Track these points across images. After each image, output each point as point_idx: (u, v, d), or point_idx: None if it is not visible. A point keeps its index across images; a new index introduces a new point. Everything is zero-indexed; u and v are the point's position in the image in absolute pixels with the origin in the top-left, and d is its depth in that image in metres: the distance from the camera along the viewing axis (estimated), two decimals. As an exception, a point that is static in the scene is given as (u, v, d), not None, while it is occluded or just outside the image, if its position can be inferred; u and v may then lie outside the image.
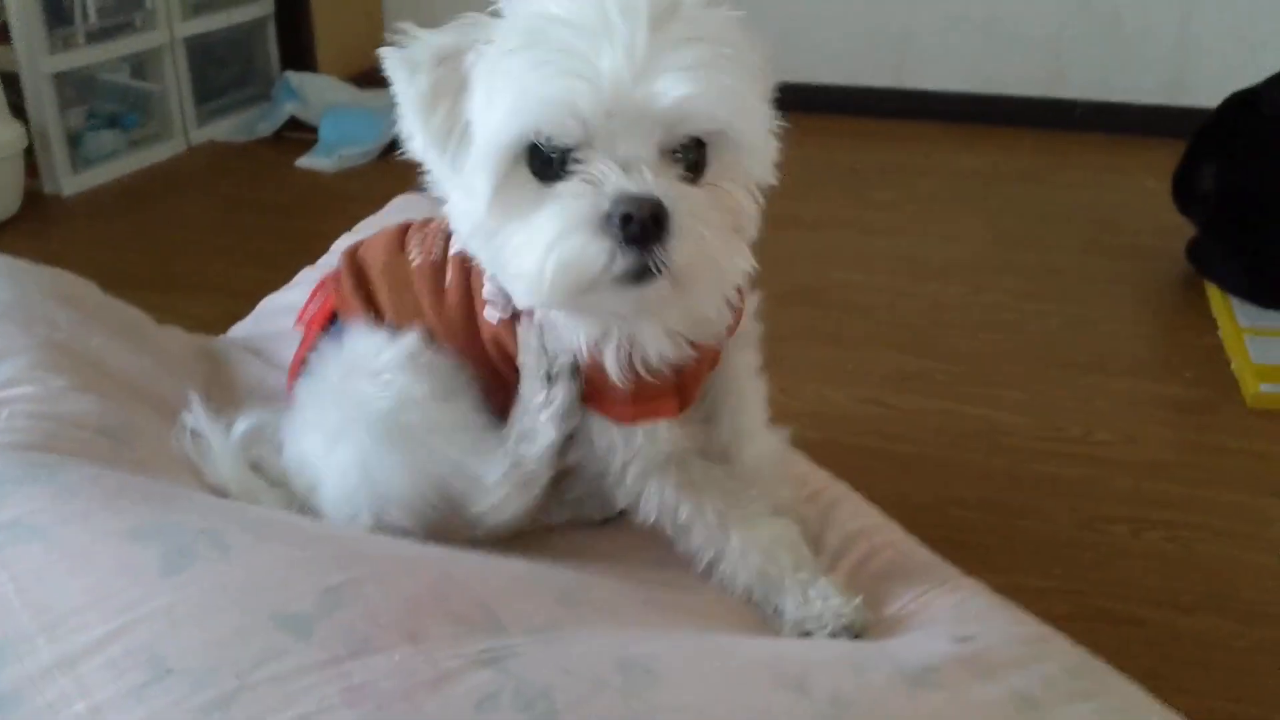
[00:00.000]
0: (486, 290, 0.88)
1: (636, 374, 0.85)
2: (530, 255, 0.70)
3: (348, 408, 0.87)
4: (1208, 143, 2.18)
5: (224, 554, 0.68)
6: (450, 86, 0.74)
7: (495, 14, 0.78)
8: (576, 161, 0.70)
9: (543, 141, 0.70)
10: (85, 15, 2.65)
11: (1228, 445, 1.70)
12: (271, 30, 3.25)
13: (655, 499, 0.91)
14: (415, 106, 0.76)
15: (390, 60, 0.78)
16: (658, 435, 0.90)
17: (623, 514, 0.99)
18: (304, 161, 2.88)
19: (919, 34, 3.14)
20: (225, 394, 1.07)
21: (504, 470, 0.88)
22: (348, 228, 1.68)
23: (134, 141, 2.85)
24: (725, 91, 0.70)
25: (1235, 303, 2.05)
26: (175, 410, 0.93)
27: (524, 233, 0.71)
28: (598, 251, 0.69)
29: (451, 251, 0.92)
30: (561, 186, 0.69)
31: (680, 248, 0.70)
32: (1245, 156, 2.10)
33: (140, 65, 2.88)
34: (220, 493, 0.88)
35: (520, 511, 0.91)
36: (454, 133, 0.74)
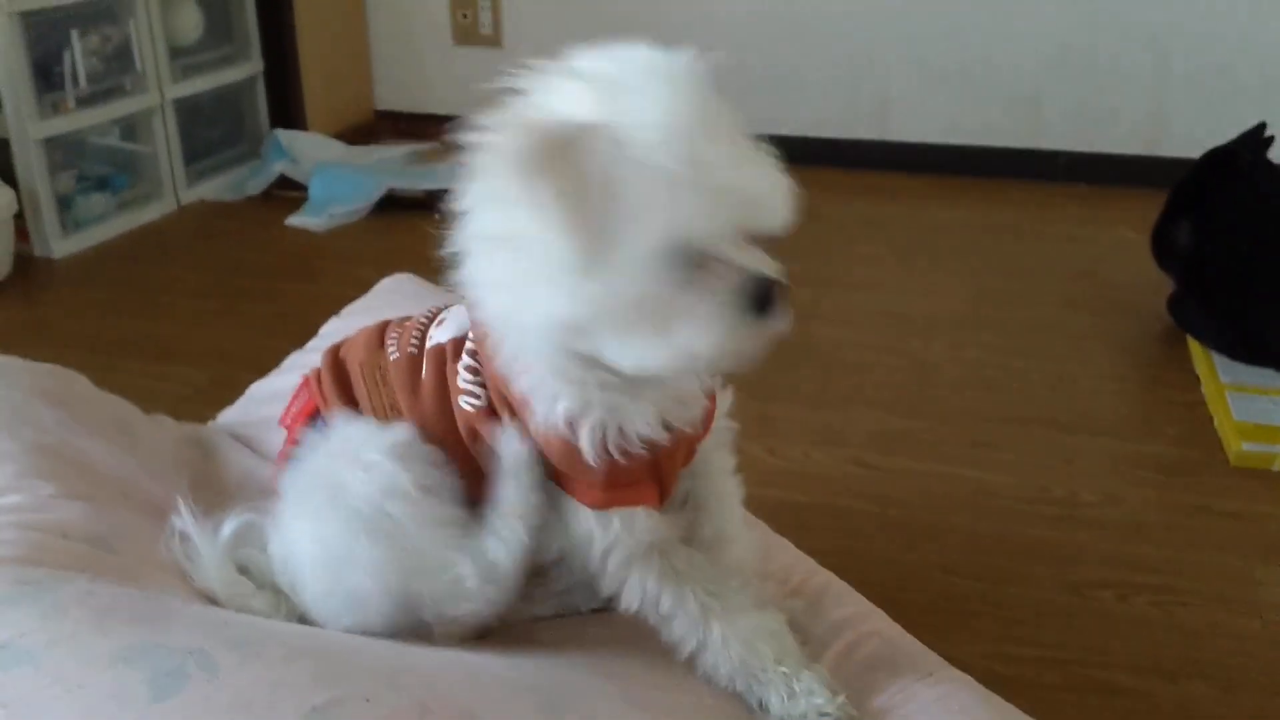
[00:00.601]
0: (462, 380, 0.90)
1: (609, 456, 0.86)
2: (681, 335, 0.77)
3: (331, 492, 0.88)
4: (1184, 199, 2.21)
5: (212, 676, 0.68)
6: (579, 188, 0.74)
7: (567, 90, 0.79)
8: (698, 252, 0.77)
9: (684, 245, 0.76)
10: (75, 80, 2.67)
11: (1211, 506, 1.71)
12: (261, 89, 3.27)
13: (638, 589, 0.91)
14: (534, 207, 0.74)
15: (497, 153, 0.76)
16: (635, 524, 0.90)
17: (610, 603, 1.00)
18: (294, 220, 2.90)
19: (900, 87, 3.18)
20: (214, 487, 1.08)
21: (477, 571, 0.90)
22: (338, 287, 1.70)
23: (124, 203, 2.87)
24: (790, 188, 0.80)
25: (1217, 358, 2.07)
26: (164, 511, 0.95)
27: (666, 316, 0.77)
28: (744, 326, 0.79)
29: (429, 345, 0.94)
30: (701, 276, 0.77)
31: (785, 309, 0.81)
32: (1221, 212, 2.13)
33: (130, 127, 2.91)
34: (209, 598, 0.89)
35: (496, 610, 0.92)
36: (588, 236, 0.75)
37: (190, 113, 3.03)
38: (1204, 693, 1.37)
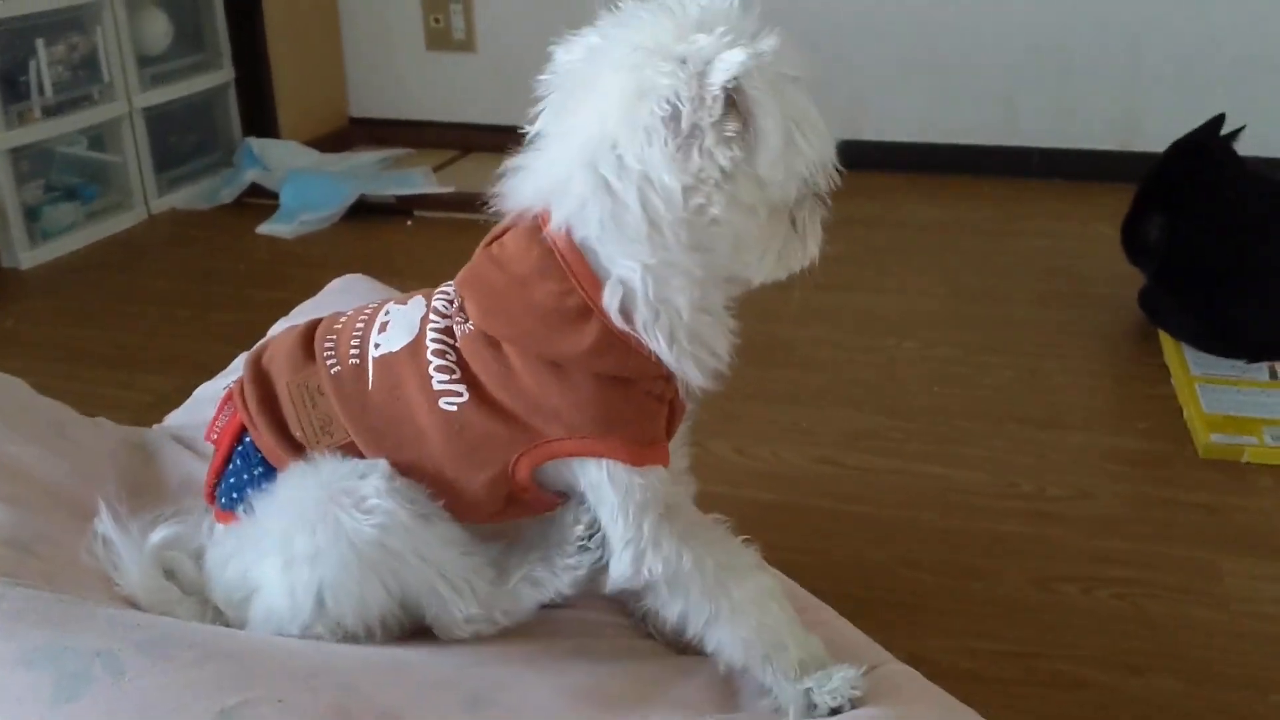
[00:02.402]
0: (437, 381, 0.88)
1: (669, 394, 0.90)
2: (813, 246, 0.90)
3: (326, 535, 0.86)
4: (1154, 193, 2.20)
5: (118, 678, 0.67)
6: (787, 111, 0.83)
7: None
8: None
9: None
10: (41, 90, 2.66)
11: (1179, 498, 1.70)
12: (233, 97, 3.26)
13: (665, 550, 0.90)
14: (774, 131, 0.81)
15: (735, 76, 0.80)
16: (665, 478, 0.91)
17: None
18: (265, 228, 2.89)
19: (874, 86, 3.17)
20: (152, 489, 1.06)
21: (485, 609, 0.91)
22: (308, 294, 1.68)
23: (94, 213, 2.85)
24: None
25: (1188, 351, 2.06)
26: (94, 515, 0.93)
27: (802, 231, 0.89)
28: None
29: (374, 354, 0.91)
30: (810, 198, 0.88)
31: None
32: (1191, 205, 2.12)
33: (99, 137, 2.89)
34: (131, 603, 0.88)
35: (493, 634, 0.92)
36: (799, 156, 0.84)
37: (161, 121, 3.01)
38: (1170, 686, 1.35)
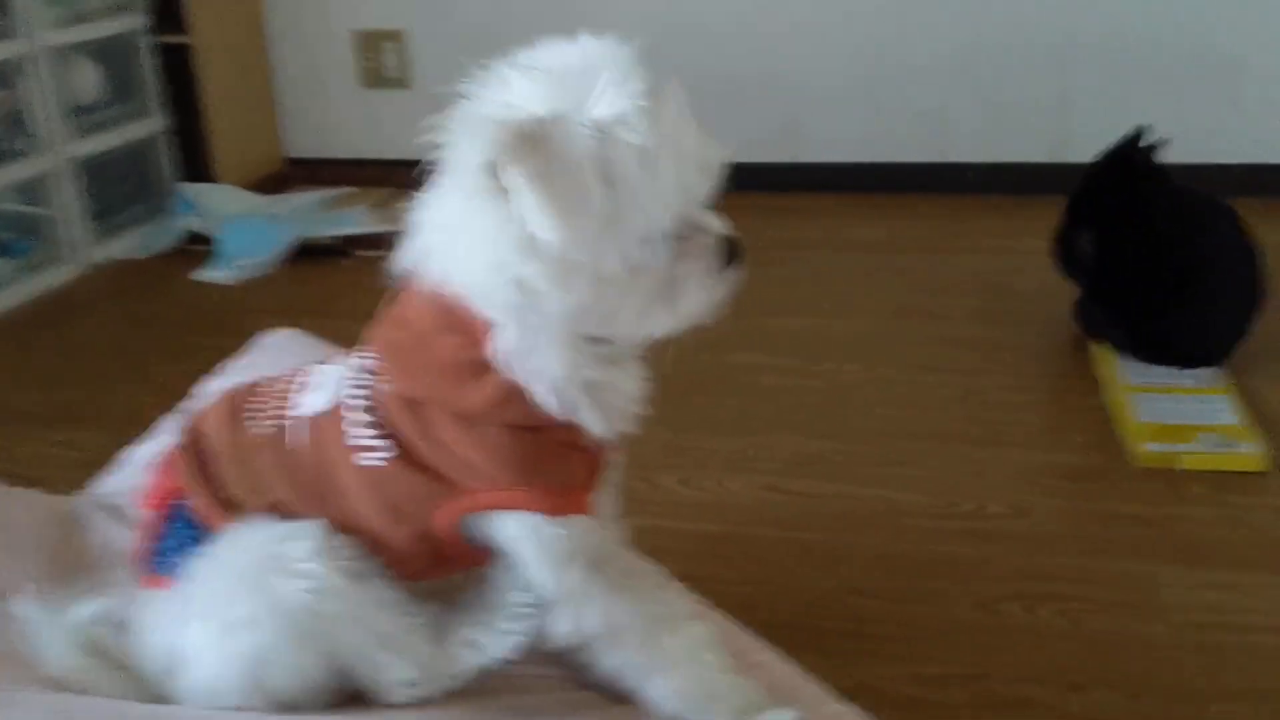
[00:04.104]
0: (357, 438, 0.88)
1: (584, 442, 0.87)
2: (688, 299, 0.84)
3: (259, 600, 0.85)
4: (1082, 207, 2.23)
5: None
6: (566, 177, 0.77)
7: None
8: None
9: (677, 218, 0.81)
10: (-33, 147, 2.62)
11: (1116, 511, 1.73)
12: (167, 144, 3.23)
13: (597, 603, 0.89)
14: (548, 199, 0.76)
15: (482, 150, 0.77)
16: (590, 527, 0.89)
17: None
18: (203, 275, 2.86)
19: (809, 109, 3.20)
20: (76, 562, 1.05)
21: (425, 673, 0.90)
22: (250, 341, 1.67)
23: (28, 268, 2.81)
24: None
25: (1120, 361, 2.10)
26: (11, 595, 0.91)
27: (670, 284, 0.83)
28: (725, 285, 0.86)
29: (296, 413, 0.91)
30: (689, 243, 0.83)
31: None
32: (1117, 218, 2.15)
33: (30, 190, 2.85)
34: (56, 684, 0.86)
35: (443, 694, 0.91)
36: (595, 220, 0.77)
37: (94, 171, 2.98)
38: (1111, 701, 1.37)
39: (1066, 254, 2.26)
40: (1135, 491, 1.77)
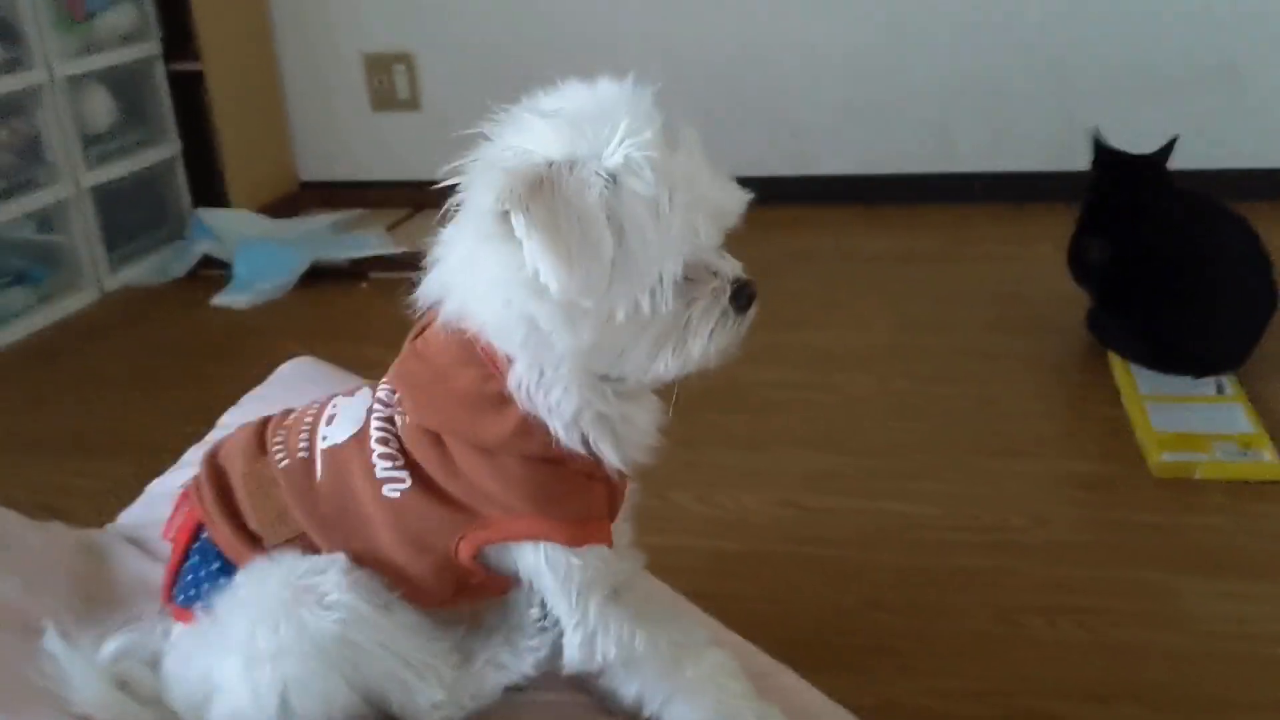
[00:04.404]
0: (380, 470, 0.89)
1: (602, 473, 0.88)
2: (696, 343, 0.83)
3: (290, 632, 0.86)
4: (1094, 215, 2.23)
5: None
6: (574, 222, 0.78)
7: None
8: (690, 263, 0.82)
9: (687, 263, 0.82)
10: (-16, 177, 2.65)
11: (1134, 520, 1.73)
12: (180, 169, 3.26)
13: (614, 632, 0.90)
14: (555, 246, 0.77)
15: (495, 196, 0.78)
16: (607, 560, 0.90)
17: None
18: (219, 300, 2.88)
19: (815, 122, 3.22)
20: (105, 596, 1.06)
21: (453, 695, 0.91)
22: (265, 368, 1.68)
23: (45, 296, 2.83)
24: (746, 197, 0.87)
25: (1135, 370, 2.10)
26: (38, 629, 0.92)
27: (677, 328, 0.83)
28: (740, 327, 0.86)
29: (321, 446, 0.92)
30: (701, 286, 0.83)
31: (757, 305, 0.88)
32: (1129, 225, 2.15)
33: (46, 218, 2.87)
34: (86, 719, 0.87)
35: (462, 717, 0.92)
36: (602, 267, 0.78)
37: (109, 199, 3.00)
38: (1136, 714, 1.38)
39: (1080, 262, 2.26)
40: (1153, 501, 1.77)
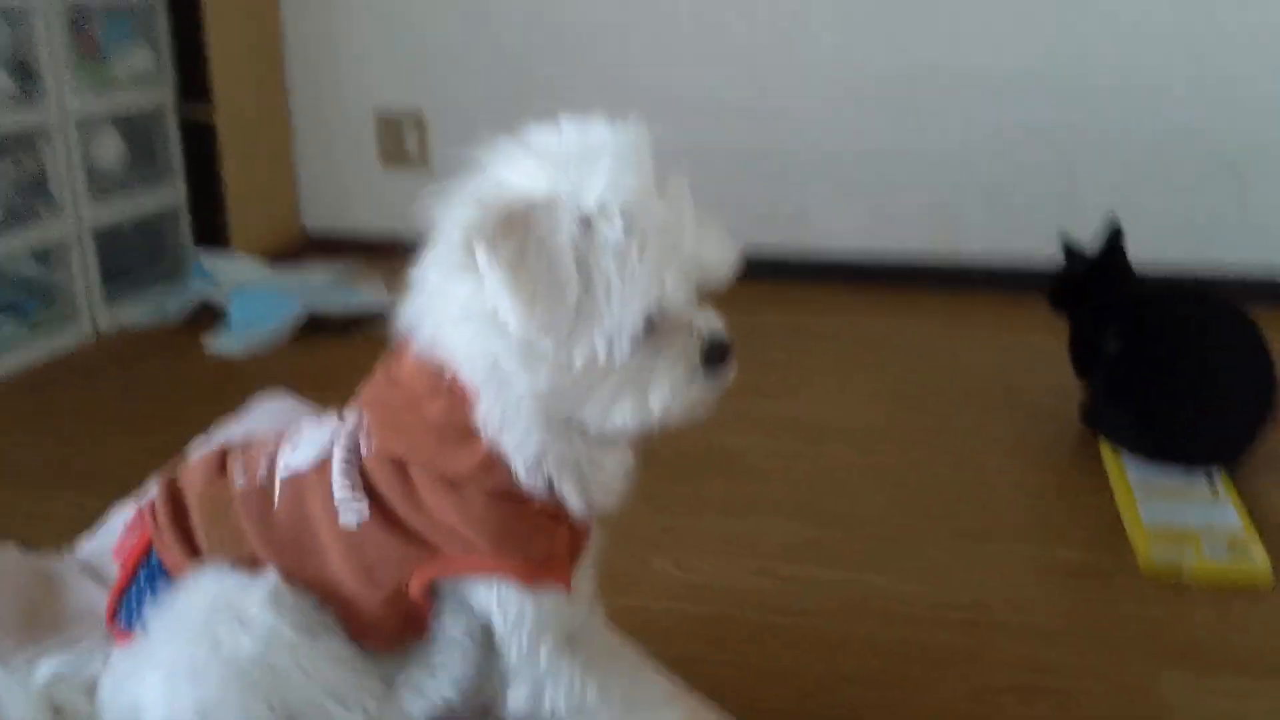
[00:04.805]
0: (340, 495, 0.87)
1: (566, 515, 0.86)
2: (656, 398, 0.81)
3: (207, 650, 0.84)
4: (1099, 310, 2.23)
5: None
6: (539, 261, 0.77)
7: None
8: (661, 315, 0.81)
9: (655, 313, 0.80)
10: (-14, 208, 2.66)
11: (1120, 611, 1.68)
12: (185, 214, 3.27)
13: (565, 680, 0.87)
14: (518, 284, 0.76)
15: (463, 230, 0.78)
16: (563, 605, 0.88)
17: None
18: (212, 343, 2.87)
19: (816, 202, 3.24)
20: (52, 621, 1.03)
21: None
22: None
23: (37, 330, 2.83)
24: (738, 252, 0.86)
25: (1128, 461, 2.07)
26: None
27: (639, 380, 0.81)
28: (710, 385, 0.84)
29: (282, 475, 0.91)
30: (668, 340, 0.81)
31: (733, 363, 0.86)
32: (1133, 315, 2.15)
33: (46, 253, 2.88)
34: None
35: None
36: (566, 309, 0.77)
37: (111, 238, 3.01)
38: (1108, 801, 1.32)
39: (1081, 350, 2.25)
40: (1140, 592, 1.72)
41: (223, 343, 2.87)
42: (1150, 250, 2.26)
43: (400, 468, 0.85)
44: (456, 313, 0.81)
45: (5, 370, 2.71)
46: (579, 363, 0.78)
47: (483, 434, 0.83)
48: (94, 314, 2.96)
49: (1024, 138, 3.06)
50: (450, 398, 0.83)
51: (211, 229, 3.31)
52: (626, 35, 3.26)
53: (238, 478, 0.91)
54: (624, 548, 1.87)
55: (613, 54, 3.27)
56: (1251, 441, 2.04)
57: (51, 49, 2.76)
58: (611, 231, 0.77)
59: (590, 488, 0.86)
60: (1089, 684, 1.51)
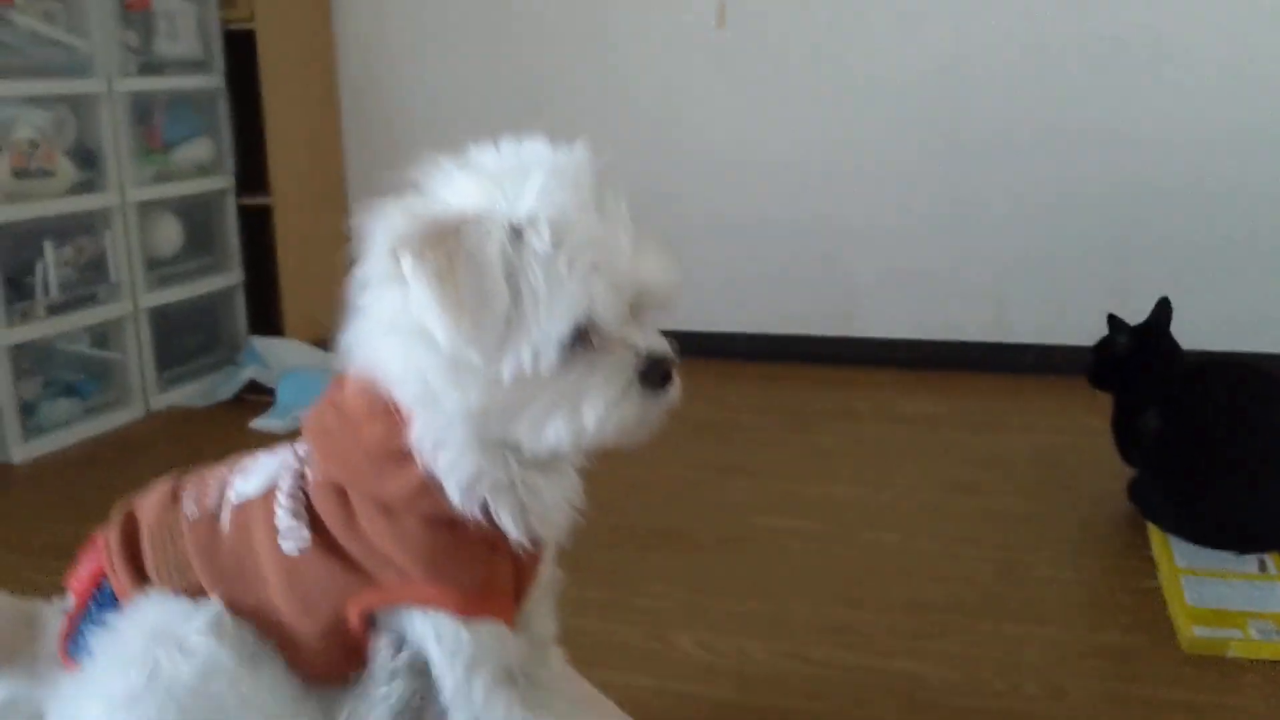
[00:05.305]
0: (281, 522, 0.86)
1: (507, 546, 0.84)
2: (590, 414, 0.78)
3: (145, 677, 0.83)
4: (1140, 387, 2.16)
5: None
6: (464, 274, 0.76)
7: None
8: (595, 331, 0.79)
9: (585, 328, 0.79)
10: (46, 290, 2.74)
11: (1159, 696, 1.60)
12: (240, 298, 3.35)
13: (500, 715, 0.84)
14: (444, 295, 0.76)
15: (390, 240, 0.78)
16: (502, 639, 0.84)
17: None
18: (258, 423, 2.91)
19: (866, 285, 3.22)
20: (28, 658, 1.03)
21: None
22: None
23: (91, 409, 2.89)
24: (679, 270, 0.84)
25: (1175, 544, 1.99)
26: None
27: (572, 396, 0.79)
28: (646, 401, 0.81)
29: (232, 501, 0.90)
30: (602, 356, 0.79)
31: (677, 383, 0.83)
32: (1179, 395, 2.08)
33: (102, 334, 2.96)
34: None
35: None
36: (494, 322, 0.76)
37: (166, 320, 3.09)
38: None
39: (1126, 432, 2.18)
40: (1181, 677, 1.64)
41: (269, 422, 2.90)
42: (1203, 341, 2.20)
43: (341, 494, 0.84)
44: (384, 329, 0.80)
45: (58, 446, 2.76)
46: (508, 376, 0.76)
47: (418, 457, 0.81)
48: (146, 394, 3.03)
49: (1077, 223, 3.02)
50: (387, 420, 0.83)
51: (266, 314, 3.38)
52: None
53: (189, 506, 0.91)
54: (644, 624, 1.85)
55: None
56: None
57: (115, 137, 2.87)
58: (540, 243, 0.76)
59: (529, 515, 0.84)
60: (1125, 775, 1.43)
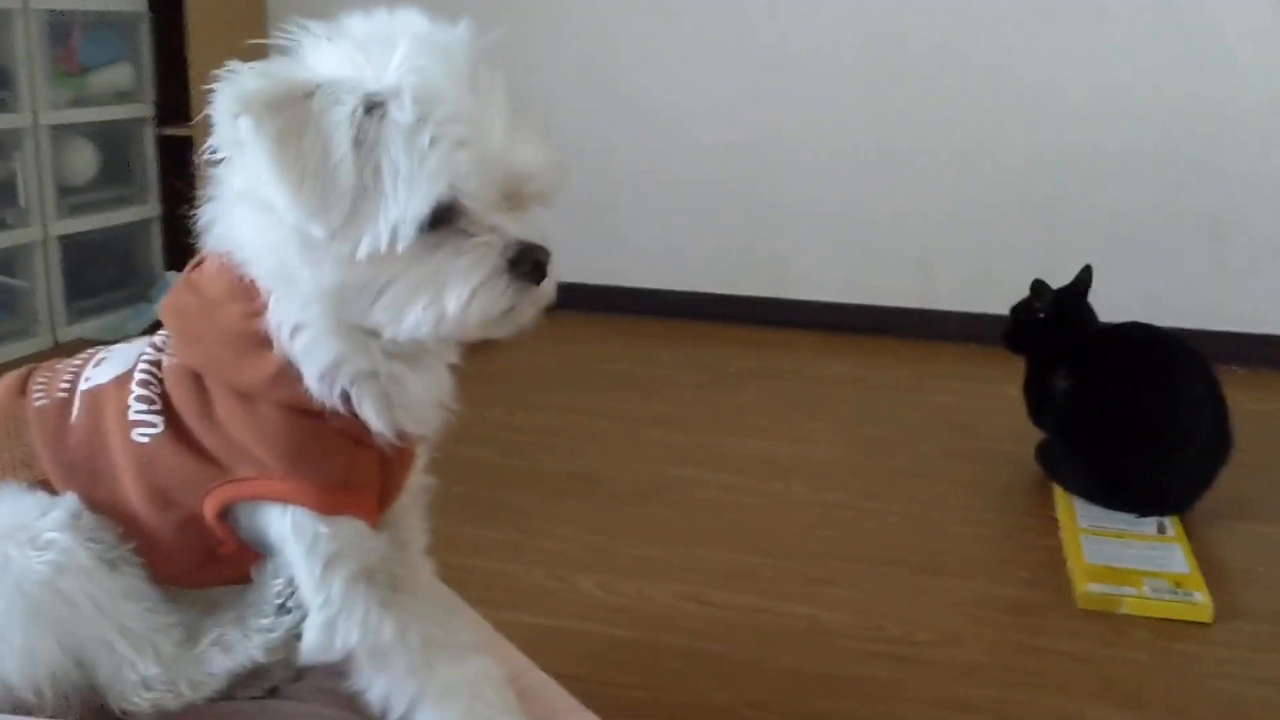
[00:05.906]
0: (134, 411, 0.81)
1: (371, 440, 0.80)
2: (452, 299, 0.74)
3: None
4: (1053, 349, 2.17)
5: None
6: (312, 140, 0.72)
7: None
8: (462, 215, 0.75)
9: (448, 204, 0.74)
10: (-51, 210, 2.64)
11: (1052, 647, 1.61)
12: (156, 232, 3.26)
13: (359, 615, 0.80)
14: (284, 161, 0.71)
15: (232, 100, 0.72)
16: (365, 534, 0.81)
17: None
18: (167, 358, 2.83)
19: (795, 248, 3.21)
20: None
21: (168, 672, 0.81)
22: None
23: (-4, 337, 2.80)
24: (559, 160, 0.80)
25: (1079, 505, 2.00)
26: None
27: (434, 280, 0.74)
28: (514, 291, 0.77)
29: (82, 387, 0.85)
30: (468, 240, 0.75)
31: (552, 278, 0.79)
32: (1090, 358, 2.09)
33: (9, 260, 2.86)
34: None
35: (177, 709, 0.82)
36: (340, 193, 0.72)
37: (77, 250, 2.99)
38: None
39: (1037, 394, 2.19)
40: (1074, 630, 1.65)
41: (180, 358, 2.82)
42: (1126, 314, 2.20)
43: (197, 380, 0.79)
44: (236, 198, 0.76)
45: (-45, 373, 2.67)
46: (363, 254, 0.72)
47: (276, 341, 0.77)
48: (54, 325, 2.93)
49: (1003, 192, 3.04)
50: (246, 301, 0.78)
51: (185, 249, 3.28)
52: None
53: (37, 395, 0.85)
54: (547, 566, 1.83)
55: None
56: (1203, 490, 1.97)
57: (30, 58, 2.76)
58: (401, 114, 0.72)
59: (395, 409, 0.80)
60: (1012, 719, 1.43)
